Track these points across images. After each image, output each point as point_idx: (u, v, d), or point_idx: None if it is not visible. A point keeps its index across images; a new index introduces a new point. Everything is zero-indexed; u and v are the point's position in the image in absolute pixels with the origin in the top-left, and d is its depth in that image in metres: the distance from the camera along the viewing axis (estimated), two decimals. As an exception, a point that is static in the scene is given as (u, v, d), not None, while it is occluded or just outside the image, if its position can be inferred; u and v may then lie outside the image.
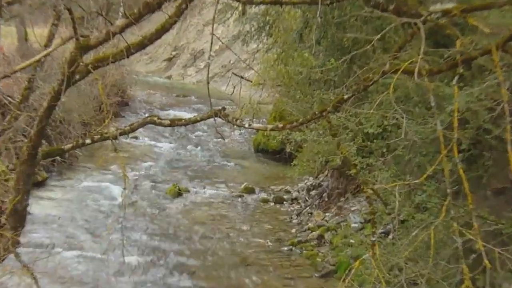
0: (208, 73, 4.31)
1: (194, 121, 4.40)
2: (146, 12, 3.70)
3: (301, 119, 4.27)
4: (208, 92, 4.11)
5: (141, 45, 3.82)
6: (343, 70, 7.42)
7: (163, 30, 3.77)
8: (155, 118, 4.36)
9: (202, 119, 4.39)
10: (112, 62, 3.87)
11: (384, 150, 6.62)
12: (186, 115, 17.11)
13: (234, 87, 4.79)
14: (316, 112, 4.24)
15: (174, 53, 34.18)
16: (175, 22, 3.65)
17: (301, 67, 7.98)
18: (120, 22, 3.73)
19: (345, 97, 4.08)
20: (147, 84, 24.40)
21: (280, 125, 4.36)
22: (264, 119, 15.08)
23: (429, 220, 5.08)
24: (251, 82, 11.84)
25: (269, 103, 14.51)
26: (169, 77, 31.72)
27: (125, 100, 17.79)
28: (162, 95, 22.86)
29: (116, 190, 10.75)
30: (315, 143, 7.75)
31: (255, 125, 4.42)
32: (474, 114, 4.87)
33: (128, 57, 3.83)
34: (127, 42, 3.78)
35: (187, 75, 30.56)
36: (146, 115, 16.54)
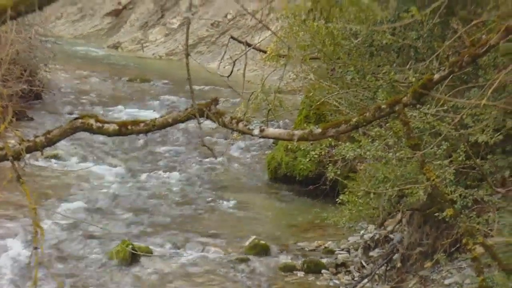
0: (187, 39, 4.32)
1: (162, 126, 4.43)
2: None
3: (354, 119, 4.33)
4: (187, 73, 4.11)
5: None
6: (432, 27, 7.39)
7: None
8: (91, 121, 4.37)
9: (176, 122, 4.43)
10: (11, 19, 3.84)
11: (507, 173, 6.59)
12: (148, 115, 17.07)
13: (234, 63, 4.76)
14: (383, 106, 4.26)
15: (123, 1, 34.10)
16: None
17: (356, 23, 7.95)
18: None
19: (436, 77, 4.11)
20: (77, 59, 24.62)
21: (317, 131, 4.38)
22: (287, 120, 15.02)
23: None
24: (265, 53, 11.80)
25: (297, 91, 14.46)
26: (116, 47, 31.66)
27: (35, 90, 17.88)
28: (103, 79, 22.92)
29: (20, 251, 10.68)
30: (379, 162, 7.71)
31: (271, 131, 4.46)
32: None
33: (41, 8, 3.83)
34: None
35: (148, 42, 30.66)
36: (75, 115, 16.38)
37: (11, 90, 14.69)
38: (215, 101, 4.39)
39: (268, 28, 3.80)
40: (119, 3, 34.62)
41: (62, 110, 18.44)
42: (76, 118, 4.46)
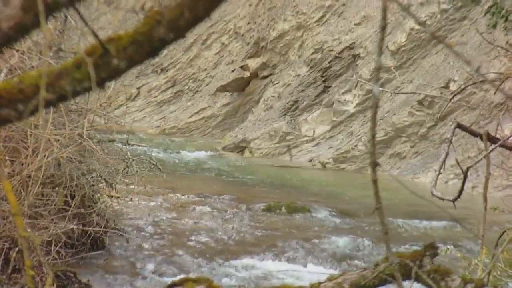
0: (373, 128, 2.61)
1: None
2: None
3: None
4: (375, 199, 2.40)
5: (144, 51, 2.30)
6: None
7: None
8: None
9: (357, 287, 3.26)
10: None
11: None
12: (300, 274, 10.84)
13: (465, 175, 2.86)
14: None
15: (272, 58, 20.37)
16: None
17: None
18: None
19: None
20: (168, 171, 14.96)
21: None
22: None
23: None
24: None
25: None
26: (239, 148, 19.73)
27: (92, 231, 10.20)
28: (218, 208, 14.70)
29: None
30: None
31: None
32: None
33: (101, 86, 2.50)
34: (98, 38, 2.40)
35: (299, 137, 18.56)
36: (167, 278, 9.46)
37: (46, 234, 8.60)
38: (431, 249, 3.10)
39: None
40: (249, 55, 20.04)
41: (141, 266, 11.36)
42: (171, 286, 3.25)
